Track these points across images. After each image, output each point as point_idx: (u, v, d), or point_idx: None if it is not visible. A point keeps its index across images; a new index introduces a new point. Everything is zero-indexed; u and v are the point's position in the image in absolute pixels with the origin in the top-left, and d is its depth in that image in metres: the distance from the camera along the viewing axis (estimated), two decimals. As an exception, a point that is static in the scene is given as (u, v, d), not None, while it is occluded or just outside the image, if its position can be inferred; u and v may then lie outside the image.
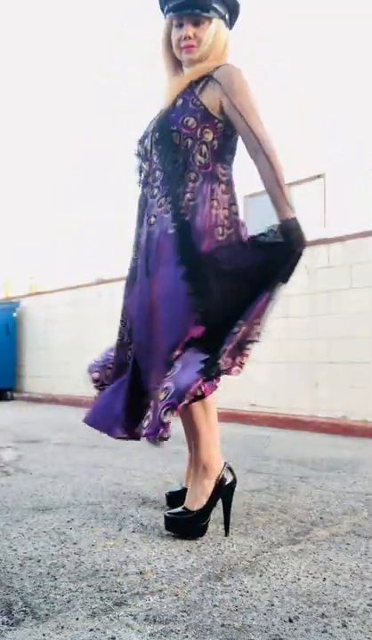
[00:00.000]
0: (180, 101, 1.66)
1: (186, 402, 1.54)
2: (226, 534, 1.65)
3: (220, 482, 1.66)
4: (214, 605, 1.18)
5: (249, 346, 1.65)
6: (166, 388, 1.54)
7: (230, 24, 1.77)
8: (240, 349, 1.64)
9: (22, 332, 8.20)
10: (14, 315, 7.90)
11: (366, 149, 7.00)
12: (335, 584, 1.30)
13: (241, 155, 1.79)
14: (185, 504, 1.65)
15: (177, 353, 1.60)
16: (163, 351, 1.63)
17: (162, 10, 1.76)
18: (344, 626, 1.10)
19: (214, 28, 1.68)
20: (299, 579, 1.33)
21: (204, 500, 1.63)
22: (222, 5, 1.69)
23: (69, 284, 7.72)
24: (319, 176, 7.32)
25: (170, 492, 1.88)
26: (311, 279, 4.68)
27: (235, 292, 1.60)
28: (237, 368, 1.64)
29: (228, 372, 1.63)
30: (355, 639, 1.05)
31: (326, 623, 1.11)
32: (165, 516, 1.65)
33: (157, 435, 1.52)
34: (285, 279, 1.61)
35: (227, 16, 1.73)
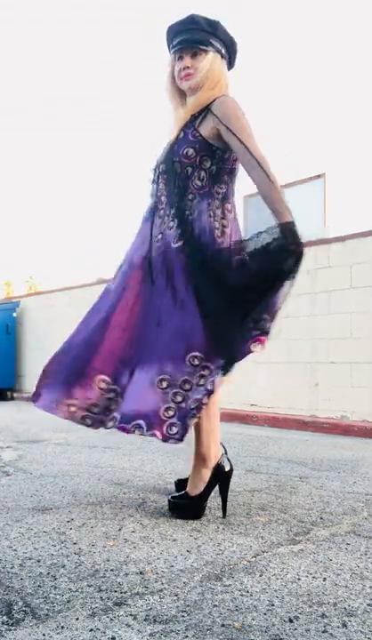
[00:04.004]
0: (182, 134, 1.87)
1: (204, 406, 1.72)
2: (223, 516, 1.83)
3: (217, 469, 1.84)
4: (214, 605, 1.18)
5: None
6: (196, 399, 1.71)
7: (231, 62, 1.99)
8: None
9: (22, 332, 8.20)
10: (14, 315, 7.90)
11: (366, 149, 7.00)
12: (335, 584, 1.30)
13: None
14: (186, 490, 1.86)
15: (194, 354, 1.73)
16: (172, 351, 1.74)
17: (168, 48, 1.98)
18: (344, 626, 1.10)
19: (210, 59, 1.89)
20: (299, 579, 1.33)
21: (201, 487, 1.83)
22: (218, 41, 1.90)
23: (69, 283, 7.71)
24: (319, 176, 7.31)
25: (179, 480, 2.06)
26: (311, 279, 4.68)
27: (241, 296, 1.74)
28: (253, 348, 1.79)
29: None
30: (355, 639, 1.05)
31: (326, 623, 1.11)
32: (169, 500, 1.87)
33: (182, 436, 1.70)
34: (290, 276, 1.72)
35: (224, 51, 1.93)
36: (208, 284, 1.75)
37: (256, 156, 1.75)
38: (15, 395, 7.71)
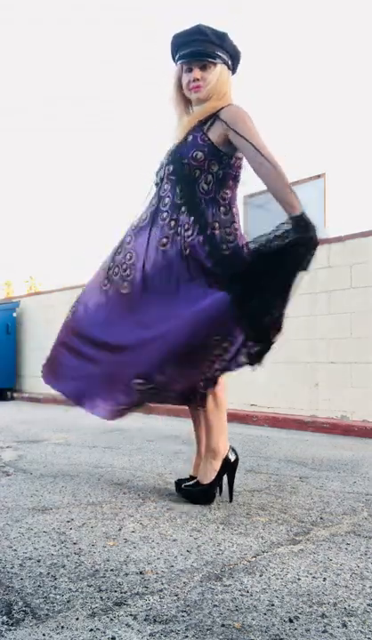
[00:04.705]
0: (190, 137, 1.93)
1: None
2: (230, 500, 2.01)
3: (225, 460, 2.01)
4: (214, 605, 1.18)
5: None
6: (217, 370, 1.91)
7: (234, 69, 2.06)
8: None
9: (22, 332, 8.20)
10: (14, 315, 7.90)
11: (366, 149, 6.99)
12: (335, 584, 1.30)
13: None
14: (198, 478, 2.02)
15: (225, 345, 1.86)
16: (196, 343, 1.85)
17: (173, 58, 2.04)
18: (344, 626, 1.10)
19: (218, 71, 1.97)
20: (299, 579, 1.33)
21: (213, 476, 1.99)
22: (224, 53, 1.98)
23: (69, 283, 7.71)
24: (319, 176, 7.31)
25: (179, 479, 2.12)
26: (311, 279, 4.68)
27: (264, 289, 1.84)
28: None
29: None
30: (355, 639, 1.05)
31: (326, 623, 1.11)
32: (182, 488, 2.03)
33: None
34: (305, 267, 1.82)
35: (230, 62, 2.01)
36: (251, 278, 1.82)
37: (263, 152, 1.82)
38: (15, 395, 7.71)
